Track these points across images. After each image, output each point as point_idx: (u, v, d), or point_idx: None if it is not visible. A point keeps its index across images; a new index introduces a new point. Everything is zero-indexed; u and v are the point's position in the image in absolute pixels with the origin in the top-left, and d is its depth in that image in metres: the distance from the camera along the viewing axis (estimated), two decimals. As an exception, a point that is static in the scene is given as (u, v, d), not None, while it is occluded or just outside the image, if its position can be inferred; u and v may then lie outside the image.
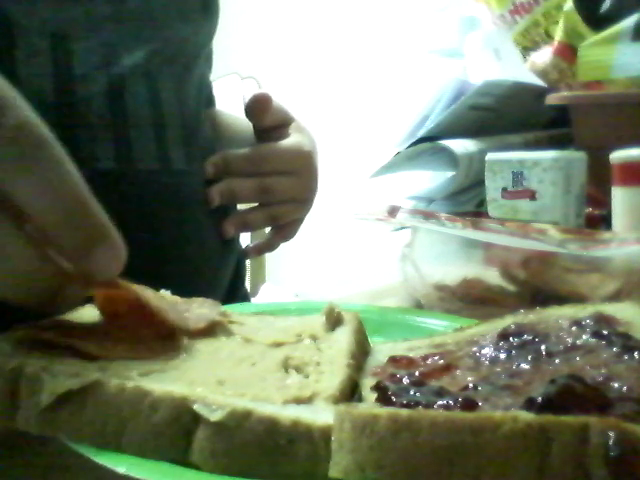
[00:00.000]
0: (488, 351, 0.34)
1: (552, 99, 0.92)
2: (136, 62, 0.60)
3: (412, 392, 0.28)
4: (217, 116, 0.79)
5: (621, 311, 0.37)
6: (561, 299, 0.45)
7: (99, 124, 0.57)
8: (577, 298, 0.48)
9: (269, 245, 0.74)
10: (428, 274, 0.58)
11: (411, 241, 0.60)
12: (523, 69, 1.03)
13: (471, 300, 0.55)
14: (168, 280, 0.42)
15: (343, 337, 0.37)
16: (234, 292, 0.74)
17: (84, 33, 0.58)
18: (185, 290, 0.42)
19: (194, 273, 0.64)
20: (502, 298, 0.55)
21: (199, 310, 0.39)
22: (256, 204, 0.71)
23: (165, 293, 0.41)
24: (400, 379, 0.31)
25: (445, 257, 0.59)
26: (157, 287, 0.41)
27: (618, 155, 0.67)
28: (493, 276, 0.55)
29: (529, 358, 0.32)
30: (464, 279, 0.56)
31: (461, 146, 0.87)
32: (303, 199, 0.73)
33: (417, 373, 0.32)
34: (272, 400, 0.28)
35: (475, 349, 0.34)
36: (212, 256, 0.67)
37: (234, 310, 0.42)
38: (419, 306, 0.59)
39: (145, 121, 0.60)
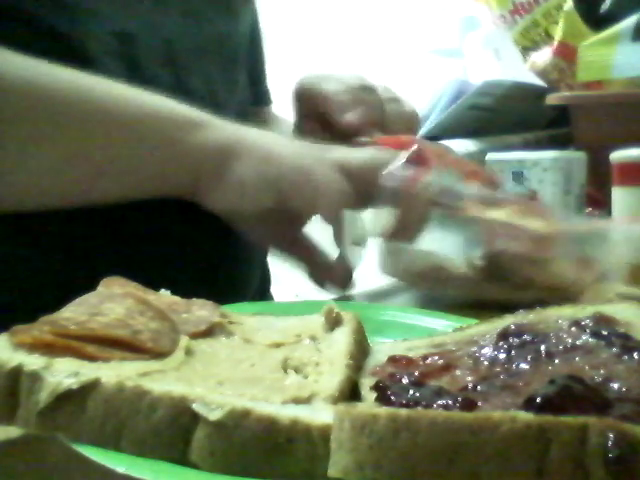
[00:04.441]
0: (488, 351, 0.34)
1: (552, 99, 0.92)
2: (191, 59, 0.63)
3: (411, 392, 0.28)
4: (271, 117, 0.80)
5: (621, 311, 0.37)
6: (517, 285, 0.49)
7: None
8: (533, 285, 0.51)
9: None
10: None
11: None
12: (523, 69, 1.03)
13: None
14: (201, 283, 0.43)
15: (342, 337, 0.37)
16: (262, 296, 0.76)
17: (146, 32, 0.60)
18: (215, 292, 0.43)
19: (224, 276, 0.65)
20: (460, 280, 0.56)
21: (199, 312, 0.39)
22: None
23: (165, 293, 0.41)
24: (399, 379, 0.30)
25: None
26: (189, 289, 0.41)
27: (618, 155, 0.67)
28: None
29: (528, 358, 0.32)
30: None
31: (461, 146, 0.87)
32: None
33: (416, 373, 0.32)
34: (271, 400, 0.28)
35: (475, 349, 0.34)
36: (240, 259, 0.69)
37: (234, 310, 0.42)
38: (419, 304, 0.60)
39: None
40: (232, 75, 0.69)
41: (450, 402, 0.26)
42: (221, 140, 0.54)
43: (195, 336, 0.36)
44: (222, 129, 0.55)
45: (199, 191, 0.54)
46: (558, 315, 0.38)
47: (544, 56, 1.03)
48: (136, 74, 0.57)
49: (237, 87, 0.70)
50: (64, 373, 0.29)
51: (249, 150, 0.53)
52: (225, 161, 0.53)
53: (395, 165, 0.51)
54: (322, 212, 0.52)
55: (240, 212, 0.54)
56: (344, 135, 0.62)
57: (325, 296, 0.59)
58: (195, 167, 0.54)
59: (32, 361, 0.30)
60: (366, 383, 0.32)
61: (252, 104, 0.75)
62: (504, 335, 0.35)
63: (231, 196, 0.53)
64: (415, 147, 0.54)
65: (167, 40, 0.62)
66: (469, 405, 0.26)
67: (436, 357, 0.34)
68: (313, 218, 0.56)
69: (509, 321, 0.38)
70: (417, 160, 0.53)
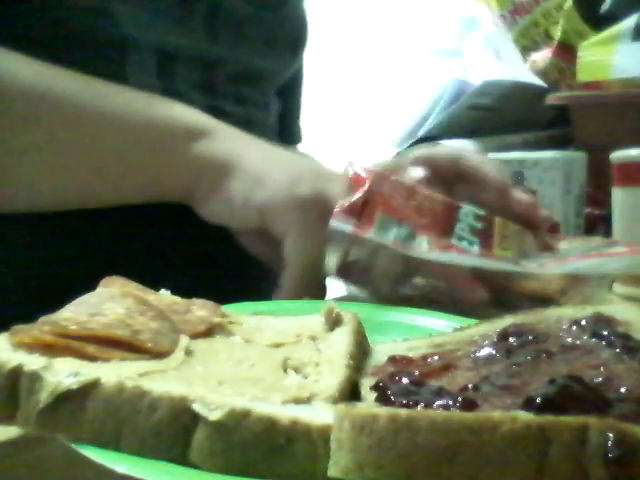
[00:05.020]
0: (488, 351, 0.34)
1: (552, 99, 0.92)
2: (228, 84, 0.65)
3: (411, 392, 0.28)
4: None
5: (621, 311, 0.37)
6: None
7: None
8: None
9: None
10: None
11: None
12: (523, 69, 1.03)
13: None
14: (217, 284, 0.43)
15: (342, 337, 0.37)
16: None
17: (188, 54, 0.61)
18: (229, 294, 0.43)
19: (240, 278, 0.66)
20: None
21: (199, 312, 0.39)
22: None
23: (165, 293, 0.41)
24: (399, 379, 0.31)
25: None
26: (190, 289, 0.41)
27: (618, 155, 0.67)
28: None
29: (528, 358, 0.32)
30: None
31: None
32: None
33: (416, 373, 0.32)
34: (271, 400, 0.28)
35: (475, 349, 0.34)
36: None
37: (234, 310, 0.42)
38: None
39: None
40: (266, 99, 0.71)
41: (450, 402, 0.26)
42: (219, 154, 0.54)
43: (195, 336, 0.36)
44: (225, 141, 0.55)
45: (194, 201, 0.55)
46: (558, 315, 0.38)
47: (544, 56, 1.03)
48: (169, 93, 0.57)
49: (270, 111, 0.72)
50: (64, 373, 0.29)
51: (244, 169, 0.54)
52: (219, 177, 0.54)
53: (336, 217, 0.51)
54: (294, 250, 0.52)
55: (229, 227, 0.55)
56: None
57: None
58: (191, 178, 0.54)
59: (32, 361, 0.30)
60: (366, 383, 0.32)
61: (283, 141, 0.75)
62: (504, 335, 0.35)
63: (221, 211, 0.54)
64: (357, 198, 0.52)
65: (208, 65, 0.63)
66: (469, 405, 0.26)
67: (436, 357, 0.34)
68: None
69: (509, 321, 0.38)
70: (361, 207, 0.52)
